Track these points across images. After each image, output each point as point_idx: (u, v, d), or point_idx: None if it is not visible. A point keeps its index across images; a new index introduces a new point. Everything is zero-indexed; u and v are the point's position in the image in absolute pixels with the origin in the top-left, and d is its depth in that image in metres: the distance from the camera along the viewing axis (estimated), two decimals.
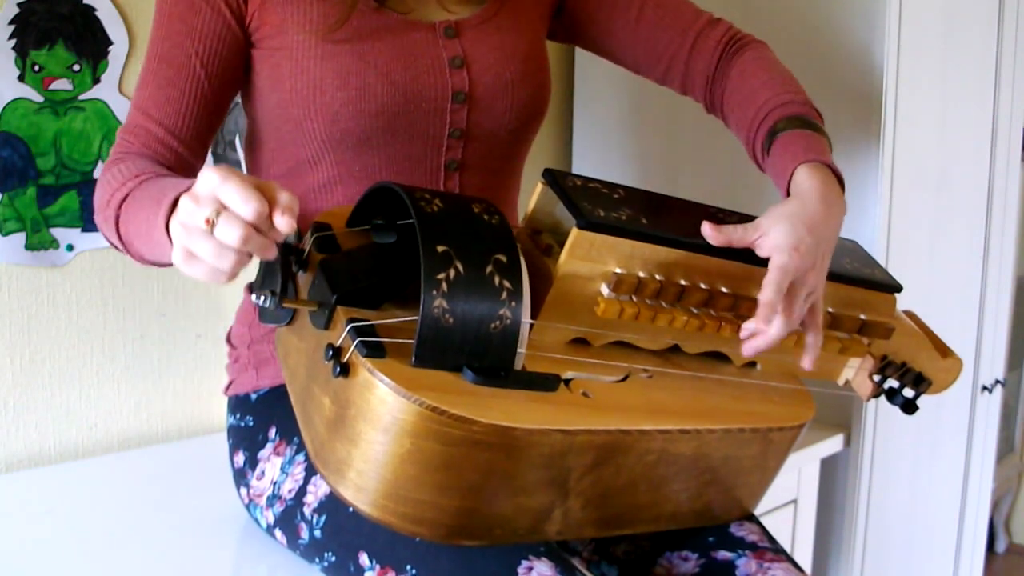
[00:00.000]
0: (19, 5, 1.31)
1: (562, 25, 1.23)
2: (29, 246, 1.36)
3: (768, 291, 0.92)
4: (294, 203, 0.74)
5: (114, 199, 0.96)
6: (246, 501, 1.12)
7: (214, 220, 0.72)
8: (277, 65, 1.04)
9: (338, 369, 0.78)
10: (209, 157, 1.38)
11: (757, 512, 1.11)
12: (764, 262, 0.95)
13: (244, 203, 0.72)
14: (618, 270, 0.91)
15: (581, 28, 1.23)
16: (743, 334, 0.94)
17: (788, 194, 1.02)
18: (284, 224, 0.73)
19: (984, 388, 2.05)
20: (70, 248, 1.40)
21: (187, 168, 1.04)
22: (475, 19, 1.11)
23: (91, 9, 1.37)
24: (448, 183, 1.11)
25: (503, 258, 0.81)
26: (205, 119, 1.05)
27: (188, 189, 0.77)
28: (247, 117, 1.14)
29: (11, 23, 1.31)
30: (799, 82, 1.15)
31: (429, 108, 1.07)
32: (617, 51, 1.24)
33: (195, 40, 1.03)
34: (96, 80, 1.39)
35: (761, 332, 0.93)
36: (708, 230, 0.94)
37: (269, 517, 1.07)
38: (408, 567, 0.91)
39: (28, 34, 1.32)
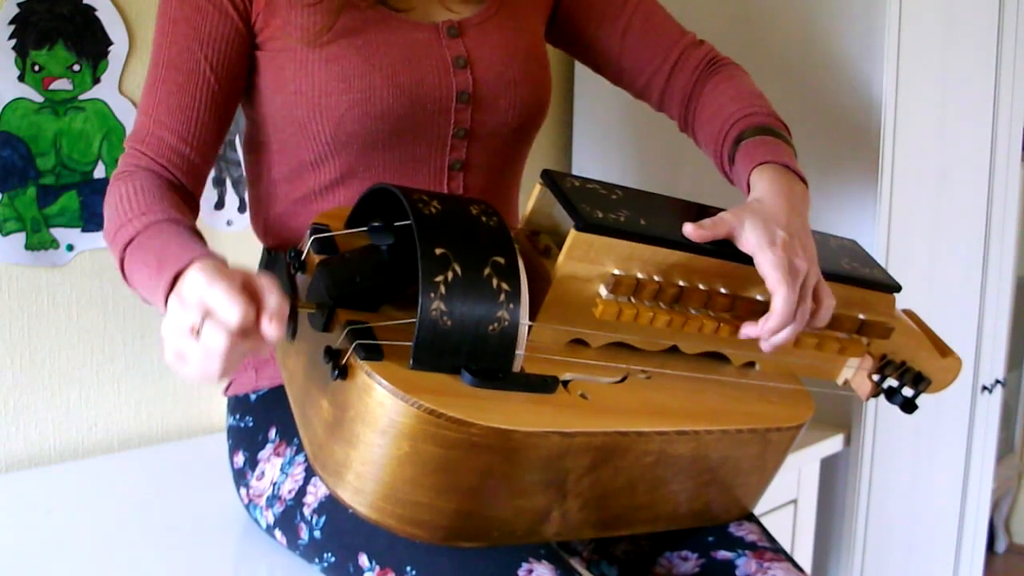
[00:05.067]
0: (19, 5, 1.31)
1: (554, 29, 1.24)
2: (29, 246, 1.36)
3: (779, 295, 0.91)
4: (284, 305, 0.73)
5: (119, 237, 0.95)
6: (246, 501, 1.12)
7: (199, 327, 0.72)
8: (281, 67, 1.04)
9: (336, 372, 0.78)
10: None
11: (757, 512, 1.11)
12: None
13: (229, 309, 0.71)
14: (616, 271, 0.91)
15: (570, 34, 1.24)
16: (750, 332, 0.94)
17: None
18: (272, 332, 0.72)
19: (984, 388, 2.05)
20: (70, 248, 1.40)
21: (196, 174, 1.04)
22: (476, 18, 1.11)
23: (91, 9, 1.38)
24: (451, 183, 1.11)
25: (501, 260, 0.81)
26: (216, 123, 1.04)
27: (187, 267, 0.78)
28: (246, 118, 1.14)
29: (11, 23, 1.31)
30: (767, 99, 1.16)
31: (434, 109, 1.07)
32: (601, 60, 1.25)
33: (203, 44, 1.02)
34: (96, 80, 1.39)
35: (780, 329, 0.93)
36: (689, 229, 0.94)
37: (269, 517, 1.07)
38: (408, 568, 0.91)
39: (28, 34, 1.32)
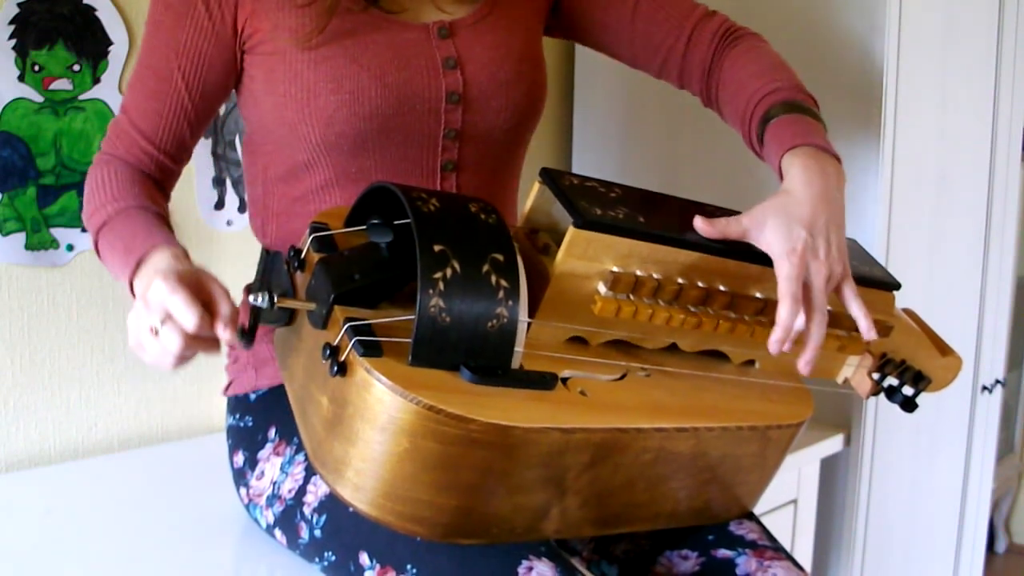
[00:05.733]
0: (19, 5, 1.31)
1: (558, 21, 1.23)
2: (29, 246, 1.36)
3: (783, 306, 0.92)
4: (234, 313, 0.85)
5: (94, 220, 1.03)
6: (246, 501, 1.12)
7: (158, 328, 0.83)
8: (271, 70, 1.04)
9: (335, 368, 0.79)
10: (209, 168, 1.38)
11: (757, 512, 1.11)
12: (761, 259, 0.95)
13: (186, 317, 0.82)
14: (615, 269, 0.91)
15: (577, 24, 1.23)
16: (774, 346, 0.94)
17: None
18: (225, 336, 0.84)
19: (984, 388, 2.05)
20: (70, 248, 1.40)
21: (166, 171, 1.09)
22: (469, 19, 1.11)
23: (91, 9, 1.38)
24: (444, 184, 1.11)
25: (500, 257, 0.81)
26: (186, 131, 1.08)
27: (149, 253, 0.92)
28: (244, 120, 1.14)
29: (11, 23, 1.31)
30: (792, 70, 1.13)
31: (423, 109, 1.06)
32: (613, 45, 1.23)
33: (179, 55, 1.04)
34: (96, 80, 1.39)
35: (807, 342, 0.94)
36: (700, 223, 0.94)
37: (269, 517, 1.07)
38: (408, 566, 0.91)
39: (28, 34, 1.33)
